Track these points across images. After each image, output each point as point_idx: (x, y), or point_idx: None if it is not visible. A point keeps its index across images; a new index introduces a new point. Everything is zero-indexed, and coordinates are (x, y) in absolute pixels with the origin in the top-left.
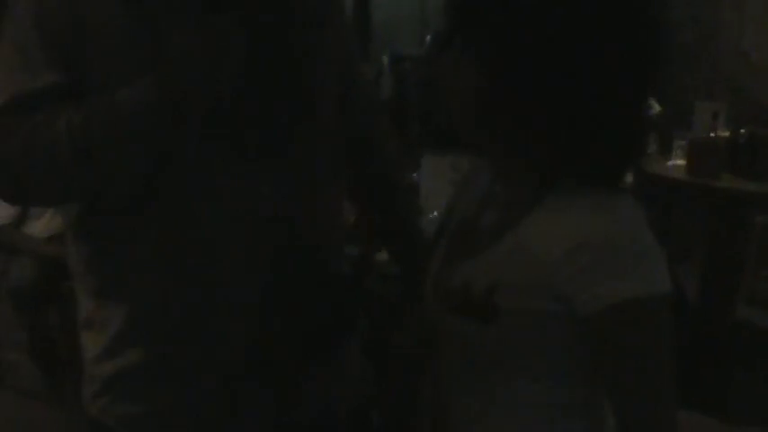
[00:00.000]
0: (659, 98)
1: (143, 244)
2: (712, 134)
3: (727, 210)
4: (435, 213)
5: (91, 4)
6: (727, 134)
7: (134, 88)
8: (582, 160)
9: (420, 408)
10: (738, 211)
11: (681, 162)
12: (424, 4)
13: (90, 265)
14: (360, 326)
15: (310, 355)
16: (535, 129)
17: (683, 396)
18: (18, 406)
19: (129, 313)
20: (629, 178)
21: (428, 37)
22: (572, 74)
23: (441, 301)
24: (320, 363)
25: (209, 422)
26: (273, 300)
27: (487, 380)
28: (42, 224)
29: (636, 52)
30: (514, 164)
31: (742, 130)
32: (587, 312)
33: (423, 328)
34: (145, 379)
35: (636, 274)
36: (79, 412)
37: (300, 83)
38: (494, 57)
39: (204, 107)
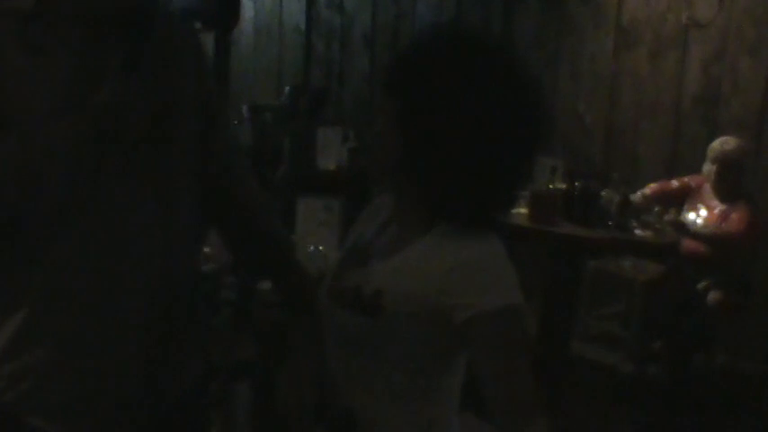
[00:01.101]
0: None
1: (38, 260)
2: (550, 186)
3: (563, 254)
4: (312, 248)
5: (2, 45)
6: (563, 186)
7: (61, 125)
8: (464, 207)
9: (303, 386)
10: (574, 255)
11: (523, 211)
12: (281, 58)
13: None
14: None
15: (176, 353)
16: (430, 181)
17: None
18: None
19: (24, 317)
20: None
21: (286, 88)
22: (460, 146)
23: (334, 299)
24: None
25: (112, 409)
26: (155, 307)
27: (367, 367)
28: None
29: (514, 136)
30: (413, 202)
31: (576, 183)
32: (462, 318)
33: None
34: (50, 374)
35: (497, 289)
36: None
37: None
38: (406, 125)
39: (117, 146)
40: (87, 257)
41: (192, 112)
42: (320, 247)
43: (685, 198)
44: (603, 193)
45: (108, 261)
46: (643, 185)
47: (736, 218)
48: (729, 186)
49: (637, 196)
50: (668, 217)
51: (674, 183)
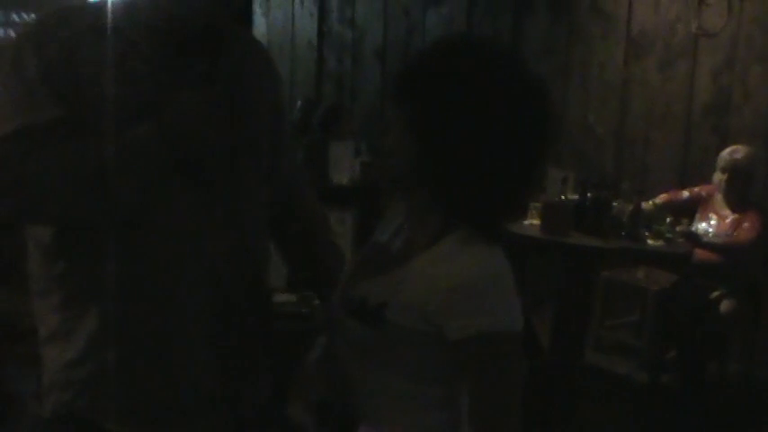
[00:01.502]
0: None
1: (112, 263)
2: (562, 197)
3: (575, 265)
4: None
5: (87, 57)
6: (575, 197)
7: (139, 132)
8: (477, 212)
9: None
10: (586, 266)
11: (535, 222)
12: (294, 73)
13: (60, 280)
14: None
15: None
16: (444, 187)
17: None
18: None
19: (97, 321)
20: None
21: (299, 102)
22: (471, 155)
23: (343, 306)
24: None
25: (183, 410)
26: (218, 315)
27: (372, 373)
28: None
29: (524, 139)
30: (425, 210)
31: (588, 194)
32: (454, 339)
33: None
34: (121, 378)
35: (495, 313)
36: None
37: (245, 146)
38: (420, 132)
39: (192, 154)
40: (157, 262)
41: (265, 128)
42: None
43: (696, 207)
44: (615, 204)
45: (178, 266)
46: (655, 195)
47: (748, 226)
48: (739, 195)
49: (648, 205)
50: (680, 227)
51: (685, 193)
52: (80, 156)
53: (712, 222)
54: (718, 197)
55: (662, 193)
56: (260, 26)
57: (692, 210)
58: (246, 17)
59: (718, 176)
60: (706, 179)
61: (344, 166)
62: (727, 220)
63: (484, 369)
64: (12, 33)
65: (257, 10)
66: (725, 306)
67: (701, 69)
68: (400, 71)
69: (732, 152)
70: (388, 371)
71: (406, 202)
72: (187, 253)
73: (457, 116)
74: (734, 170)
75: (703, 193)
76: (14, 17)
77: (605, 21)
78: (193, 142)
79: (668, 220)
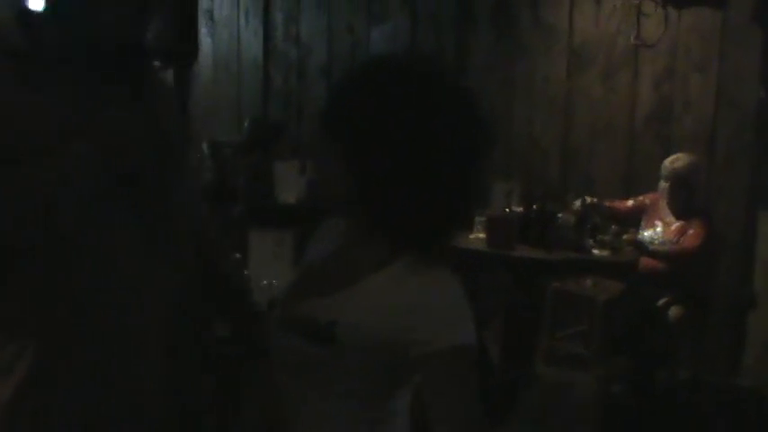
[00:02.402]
0: None
1: (53, 293)
2: (507, 210)
3: (523, 277)
4: (265, 282)
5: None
6: (520, 210)
7: (76, 151)
8: (417, 241)
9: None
10: (534, 278)
11: (481, 235)
12: (240, 92)
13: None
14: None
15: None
16: (386, 212)
17: None
18: None
19: (35, 359)
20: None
21: (246, 122)
22: (407, 182)
23: (287, 326)
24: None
25: None
26: (160, 342)
27: (317, 396)
28: None
29: (459, 166)
30: (369, 233)
31: (533, 206)
32: (415, 353)
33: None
34: (60, 416)
35: (455, 329)
36: None
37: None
38: (354, 164)
39: (130, 169)
40: (96, 289)
41: (178, 150)
42: (273, 281)
43: (641, 216)
44: (560, 215)
45: (117, 292)
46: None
47: (693, 233)
48: (682, 203)
49: (590, 199)
50: (626, 236)
51: (629, 202)
52: (16, 180)
53: (658, 230)
54: (663, 204)
55: (607, 201)
56: (205, 46)
57: (636, 218)
58: (192, 37)
59: (662, 185)
60: (651, 187)
61: (291, 185)
62: (673, 227)
63: (450, 382)
64: None
65: (202, 29)
66: (672, 313)
67: (642, 80)
68: (327, 103)
69: (673, 161)
70: (333, 393)
71: (350, 224)
72: (125, 277)
73: (388, 144)
74: (675, 178)
75: (647, 201)
76: None
77: (548, 34)
78: (131, 157)
79: (613, 228)
